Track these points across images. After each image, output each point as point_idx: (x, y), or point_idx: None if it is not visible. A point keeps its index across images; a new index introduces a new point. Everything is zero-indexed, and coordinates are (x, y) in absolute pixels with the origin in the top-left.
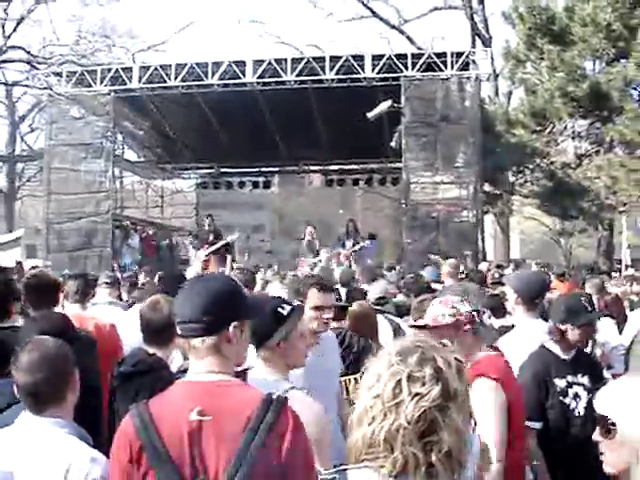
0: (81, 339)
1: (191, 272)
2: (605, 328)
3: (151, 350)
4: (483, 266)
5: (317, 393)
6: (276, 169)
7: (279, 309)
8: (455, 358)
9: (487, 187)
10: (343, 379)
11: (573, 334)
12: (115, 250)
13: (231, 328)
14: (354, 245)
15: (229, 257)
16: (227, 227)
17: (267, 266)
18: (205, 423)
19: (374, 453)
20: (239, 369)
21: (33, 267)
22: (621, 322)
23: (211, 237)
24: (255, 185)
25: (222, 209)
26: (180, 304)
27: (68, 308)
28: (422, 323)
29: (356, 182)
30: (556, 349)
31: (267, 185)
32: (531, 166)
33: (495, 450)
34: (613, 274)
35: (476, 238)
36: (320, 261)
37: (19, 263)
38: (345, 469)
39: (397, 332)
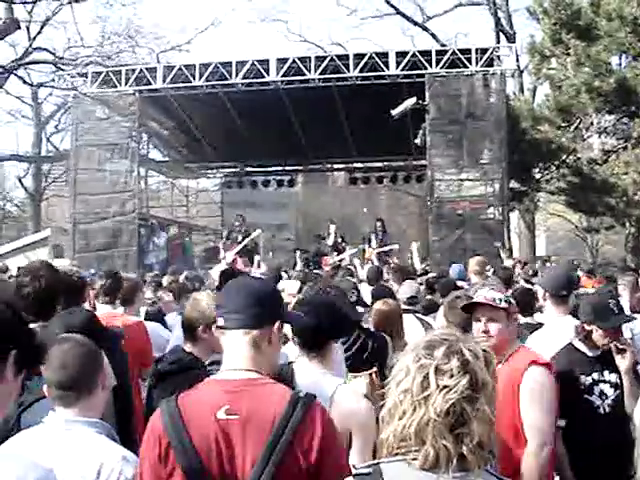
0: (107, 335)
1: (216, 271)
2: (636, 326)
3: (188, 348)
4: (509, 263)
5: None
6: (301, 167)
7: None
8: (483, 350)
9: (513, 184)
10: (361, 374)
11: (598, 336)
12: (141, 249)
13: (276, 325)
14: (381, 245)
15: (256, 257)
16: (252, 226)
17: (292, 265)
18: (233, 422)
19: (406, 447)
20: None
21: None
22: None
23: (240, 237)
24: (280, 184)
25: (247, 208)
26: (227, 296)
27: (99, 307)
28: (483, 301)
29: (380, 180)
30: (583, 347)
31: (292, 183)
32: (557, 162)
33: (544, 435)
34: None
35: (502, 235)
36: (343, 260)
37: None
38: (378, 463)
39: (428, 331)
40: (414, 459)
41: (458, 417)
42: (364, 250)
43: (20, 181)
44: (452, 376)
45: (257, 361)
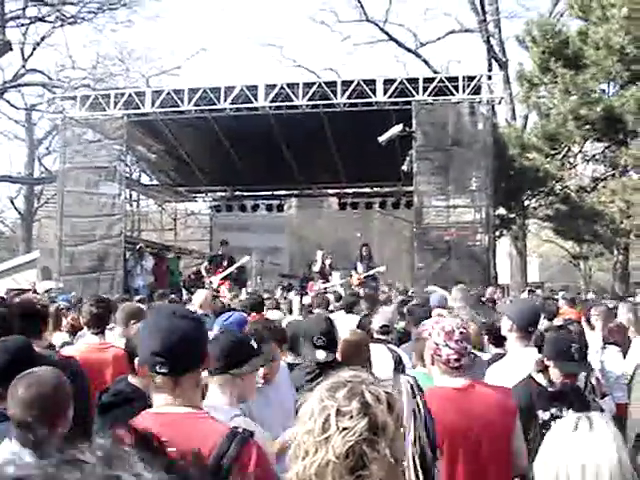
0: (44, 363)
1: (199, 296)
2: (609, 356)
3: (133, 379)
4: (489, 291)
5: (268, 422)
6: (290, 192)
7: (252, 343)
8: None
9: (501, 210)
10: None
11: (554, 373)
12: (129, 273)
13: (202, 368)
14: (367, 270)
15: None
16: (242, 249)
17: (281, 289)
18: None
19: None
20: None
21: (47, 290)
22: (625, 350)
23: (225, 262)
24: (269, 208)
25: (237, 231)
26: (154, 338)
27: (88, 336)
28: None
29: (369, 205)
30: (542, 380)
31: (281, 208)
32: (545, 190)
33: None
34: (629, 298)
35: (488, 262)
36: (332, 286)
37: (33, 284)
38: None
39: (398, 364)
40: None
41: (358, 459)
42: (351, 276)
43: (12, 202)
44: (352, 418)
45: (192, 396)
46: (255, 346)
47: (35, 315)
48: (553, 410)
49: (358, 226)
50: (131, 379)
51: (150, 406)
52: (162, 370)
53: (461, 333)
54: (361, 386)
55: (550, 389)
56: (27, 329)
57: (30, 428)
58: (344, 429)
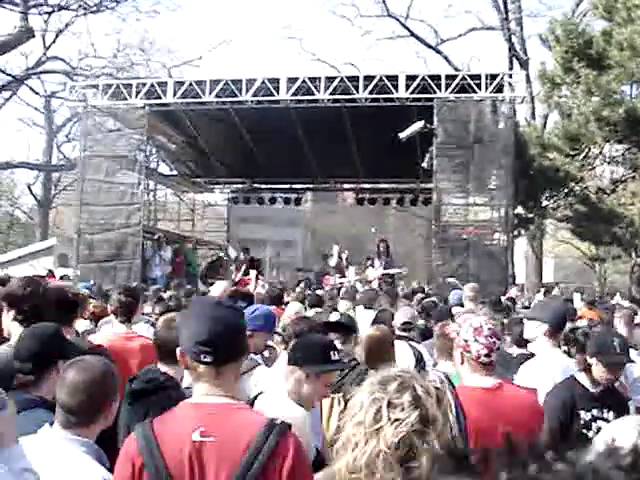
0: (75, 352)
1: (218, 288)
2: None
3: (163, 368)
4: (513, 291)
5: None
6: (308, 186)
7: (332, 352)
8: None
9: (519, 210)
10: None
11: (598, 369)
12: (146, 262)
13: (246, 352)
14: (385, 267)
15: (253, 272)
16: (258, 242)
17: (296, 283)
18: (207, 444)
19: (357, 478)
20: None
21: (62, 277)
22: None
23: (244, 266)
24: (286, 201)
25: (253, 223)
26: (202, 327)
27: (116, 326)
28: None
29: (387, 201)
30: (585, 381)
31: (298, 202)
32: (564, 190)
33: None
34: None
35: (506, 261)
36: (348, 282)
37: (50, 272)
38: None
39: (419, 361)
40: None
41: (408, 450)
42: (366, 267)
43: (29, 188)
44: (403, 409)
45: (230, 386)
46: (334, 357)
47: (67, 303)
48: (594, 411)
49: (373, 221)
50: (161, 367)
51: (182, 395)
52: (206, 359)
53: (489, 329)
54: (412, 380)
55: (592, 390)
56: (59, 317)
57: (75, 412)
58: (396, 420)
